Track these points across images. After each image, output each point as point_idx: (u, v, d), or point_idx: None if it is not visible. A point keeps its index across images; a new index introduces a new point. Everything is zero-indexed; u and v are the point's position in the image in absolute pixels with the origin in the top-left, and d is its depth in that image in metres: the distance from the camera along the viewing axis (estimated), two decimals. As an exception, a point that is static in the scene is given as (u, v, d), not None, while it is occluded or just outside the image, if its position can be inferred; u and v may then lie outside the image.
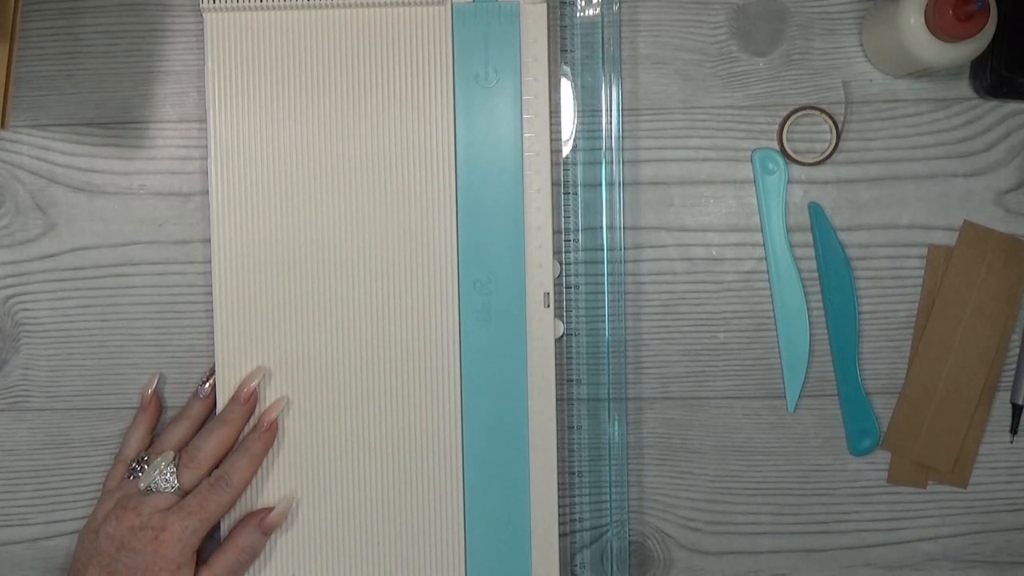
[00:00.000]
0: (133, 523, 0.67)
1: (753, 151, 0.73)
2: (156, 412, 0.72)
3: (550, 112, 0.71)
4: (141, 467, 0.69)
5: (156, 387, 0.73)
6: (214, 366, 0.71)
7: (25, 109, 0.73)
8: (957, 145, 0.72)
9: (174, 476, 0.68)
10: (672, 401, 0.73)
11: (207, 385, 0.71)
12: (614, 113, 0.71)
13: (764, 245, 0.73)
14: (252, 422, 0.70)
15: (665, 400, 0.73)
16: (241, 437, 0.70)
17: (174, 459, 0.68)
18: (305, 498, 0.71)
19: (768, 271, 0.73)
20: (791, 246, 0.73)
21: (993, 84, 0.70)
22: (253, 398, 0.70)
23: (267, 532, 0.69)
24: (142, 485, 0.68)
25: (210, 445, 0.69)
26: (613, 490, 0.72)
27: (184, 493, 0.68)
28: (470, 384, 0.71)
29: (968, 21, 0.64)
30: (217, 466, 0.69)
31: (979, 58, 0.68)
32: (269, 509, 0.70)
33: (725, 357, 0.73)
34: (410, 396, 0.71)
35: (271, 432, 0.70)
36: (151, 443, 0.72)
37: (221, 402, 0.70)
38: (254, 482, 0.70)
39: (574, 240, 0.72)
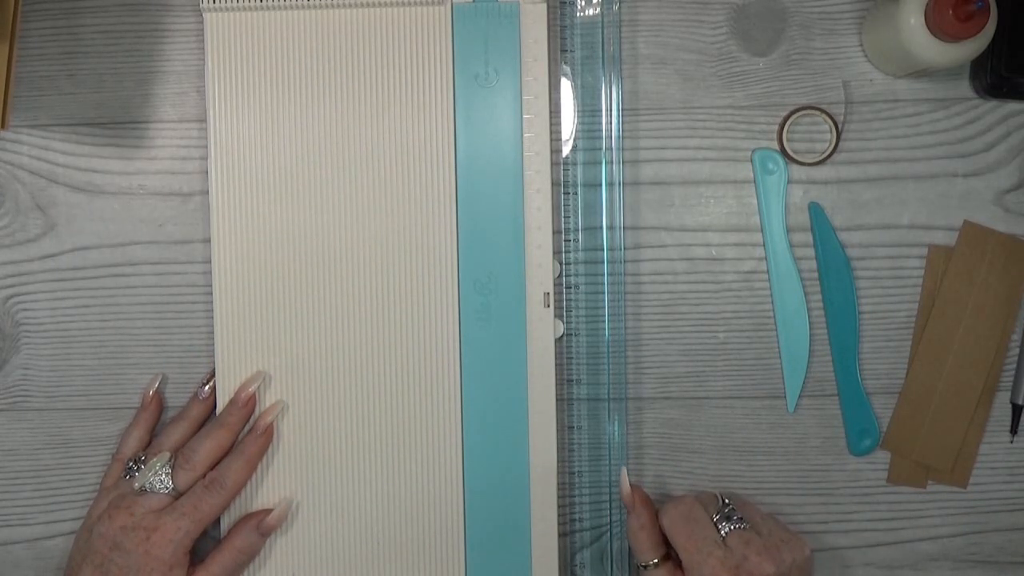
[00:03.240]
0: (125, 523, 0.67)
1: (753, 151, 0.73)
2: (156, 412, 0.72)
3: (550, 112, 0.71)
4: (137, 466, 0.69)
5: (158, 388, 0.73)
6: (215, 368, 0.71)
7: (25, 109, 0.73)
8: (957, 145, 0.72)
9: (169, 477, 0.68)
10: (672, 401, 0.73)
11: (207, 387, 0.71)
12: (614, 113, 0.71)
13: (764, 245, 0.73)
14: (249, 425, 0.70)
15: (665, 400, 0.73)
16: (238, 440, 0.70)
17: (170, 460, 0.68)
18: (305, 497, 0.71)
19: (768, 271, 0.73)
20: (791, 246, 0.73)
21: (993, 84, 0.70)
22: (251, 402, 0.70)
23: (265, 534, 0.69)
24: (137, 485, 0.68)
25: (206, 447, 0.69)
26: (613, 490, 0.72)
27: (179, 494, 0.68)
28: (470, 384, 0.71)
29: (968, 21, 0.64)
30: (213, 468, 0.69)
31: (979, 58, 0.68)
32: (268, 511, 0.70)
33: (725, 357, 0.73)
34: (410, 396, 0.71)
35: (267, 436, 0.70)
36: (149, 443, 0.72)
37: (221, 402, 0.71)
38: (254, 481, 0.71)
39: (574, 240, 0.72)
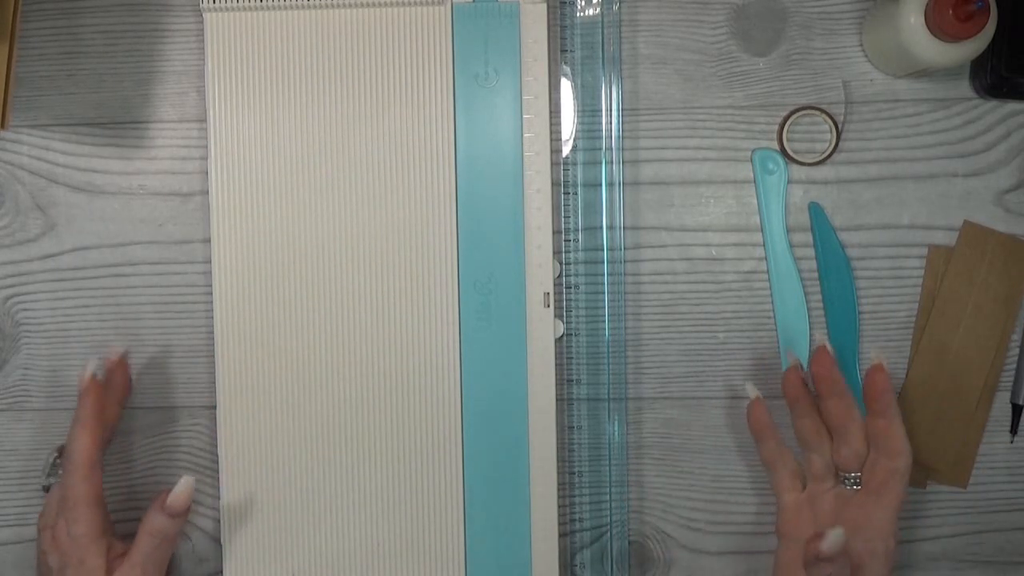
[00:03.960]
0: (41, 525, 0.69)
1: (753, 151, 0.73)
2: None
3: (550, 112, 0.71)
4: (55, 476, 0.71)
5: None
6: (88, 362, 0.69)
7: (25, 109, 0.73)
8: (957, 145, 0.72)
9: (59, 462, 0.70)
10: (672, 401, 0.73)
11: (87, 375, 0.68)
12: (614, 113, 0.71)
13: (764, 245, 0.73)
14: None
15: (665, 400, 0.73)
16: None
17: (56, 450, 0.70)
18: (305, 497, 0.71)
19: (768, 271, 0.73)
20: (791, 246, 0.73)
21: (993, 84, 0.70)
22: (93, 384, 0.68)
23: (172, 515, 0.67)
24: (43, 484, 0.71)
25: (77, 430, 0.67)
26: (613, 490, 0.72)
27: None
28: (470, 384, 0.71)
29: (968, 21, 0.64)
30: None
31: (979, 58, 0.68)
32: (168, 490, 0.67)
33: (725, 357, 0.73)
34: (410, 396, 0.71)
35: (92, 391, 0.67)
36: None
37: (221, 406, 0.70)
38: (255, 481, 0.70)
39: (574, 240, 0.72)
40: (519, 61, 0.70)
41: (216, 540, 0.71)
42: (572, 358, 0.72)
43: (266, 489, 0.71)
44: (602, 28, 0.71)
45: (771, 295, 0.73)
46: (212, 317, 0.71)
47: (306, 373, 0.71)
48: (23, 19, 0.72)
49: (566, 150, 0.72)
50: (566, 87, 0.71)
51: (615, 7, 0.71)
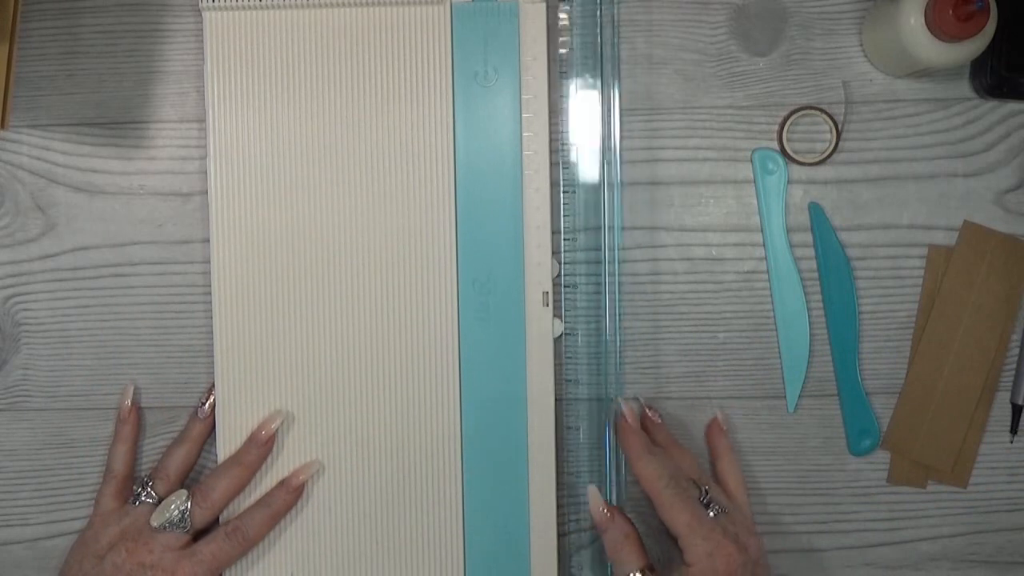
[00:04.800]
0: (144, 560, 0.67)
1: (753, 151, 0.73)
2: (136, 423, 0.72)
3: (549, 111, 0.71)
4: (146, 491, 0.69)
5: (133, 398, 0.72)
6: (212, 385, 0.71)
7: (25, 109, 0.73)
8: (957, 145, 0.72)
9: (188, 515, 0.68)
10: (671, 401, 0.73)
11: (206, 405, 0.71)
12: (614, 113, 0.71)
13: (764, 245, 0.73)
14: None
15: (664, 400, 0.73)
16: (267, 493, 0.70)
17: (187, 499, 0.68)
18: (304, 496, 0.71)
19: (768, 271, 0.73)
20: (791, 246, 0.73)
21: (993, 84, 0.70)
22: (271, 442, 0.70)
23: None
24: (155, 523, 0.67)
25: (223, 485, 0.69)
26: (612, 490, 0.72)
27: (195, 532, 0.68)
28: (469, 383, 0.71)
29: (968, 21, 0.64)
30: (229, 503, 0.69)
31: (979, 58, 0.68)
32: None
33: (725, 357, 0.73)
34: (409, 395, 0.71)
35: (296, 494, 0.70)
36: (136, 456, 0.72)
37: (221, 406, 0.70)
38: (256, 479, 0.70)
39: (573, 240, 0.72)
40: (518, 61, 0.70)
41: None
42: (571, 358, 0.72)
43: (265, 489, 0.71)
44: (601, 28, 0.71)
45: (771, 295, 0.73)
46: (212, 317, 0.71)
47: (305, 371, 0.71)
48: (23, 19, 0.72)
49: (565, 150, 0.72)
50: (565, 87, 0.71)
51: (615, 7, 0.71)
